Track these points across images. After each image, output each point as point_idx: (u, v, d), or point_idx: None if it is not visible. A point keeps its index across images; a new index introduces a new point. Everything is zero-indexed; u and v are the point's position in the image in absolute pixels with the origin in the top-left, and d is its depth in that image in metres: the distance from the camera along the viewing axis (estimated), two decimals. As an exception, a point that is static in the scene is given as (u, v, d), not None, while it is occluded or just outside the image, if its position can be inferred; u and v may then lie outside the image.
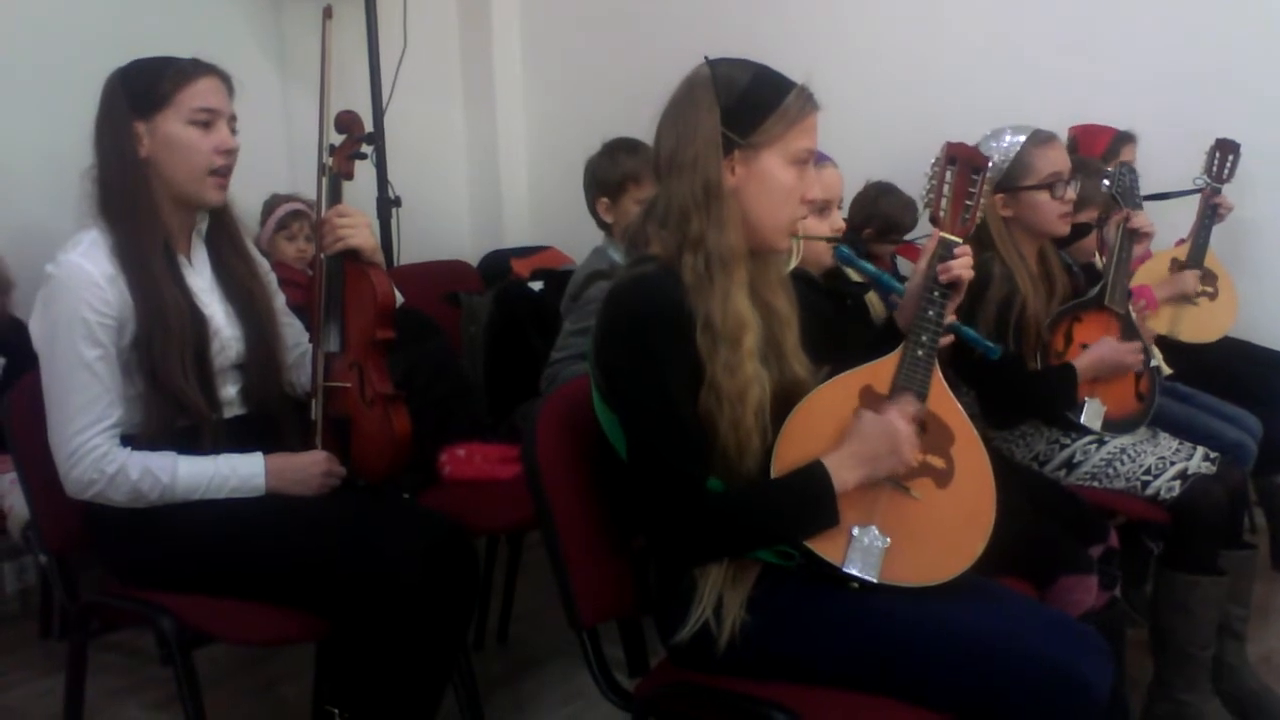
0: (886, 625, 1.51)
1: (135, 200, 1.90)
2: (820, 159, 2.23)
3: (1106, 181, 2.55)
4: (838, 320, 2.20)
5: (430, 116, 4.25)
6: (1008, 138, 2.35)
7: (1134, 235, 2.48)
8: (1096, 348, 2.35)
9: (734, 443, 1.50)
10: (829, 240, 2.18)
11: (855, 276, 2.31)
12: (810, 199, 1.59)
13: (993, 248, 2.30)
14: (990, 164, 2.29)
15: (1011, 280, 2.28)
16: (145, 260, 1.88)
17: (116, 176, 1.90)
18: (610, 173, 2.58)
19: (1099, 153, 3.17)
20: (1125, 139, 3.23)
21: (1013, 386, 2.27)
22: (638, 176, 2.52)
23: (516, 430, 2.55)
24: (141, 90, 1.90)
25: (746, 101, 1.51)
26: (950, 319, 1.69)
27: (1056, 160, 2.33)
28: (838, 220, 2.25)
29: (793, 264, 2.11)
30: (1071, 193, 2.36)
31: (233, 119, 1.97)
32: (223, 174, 1.95)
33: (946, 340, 1.68)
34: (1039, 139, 2.34)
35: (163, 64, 1.93)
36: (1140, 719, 2.31)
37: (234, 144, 1.96)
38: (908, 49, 3.69)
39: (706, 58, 1.56)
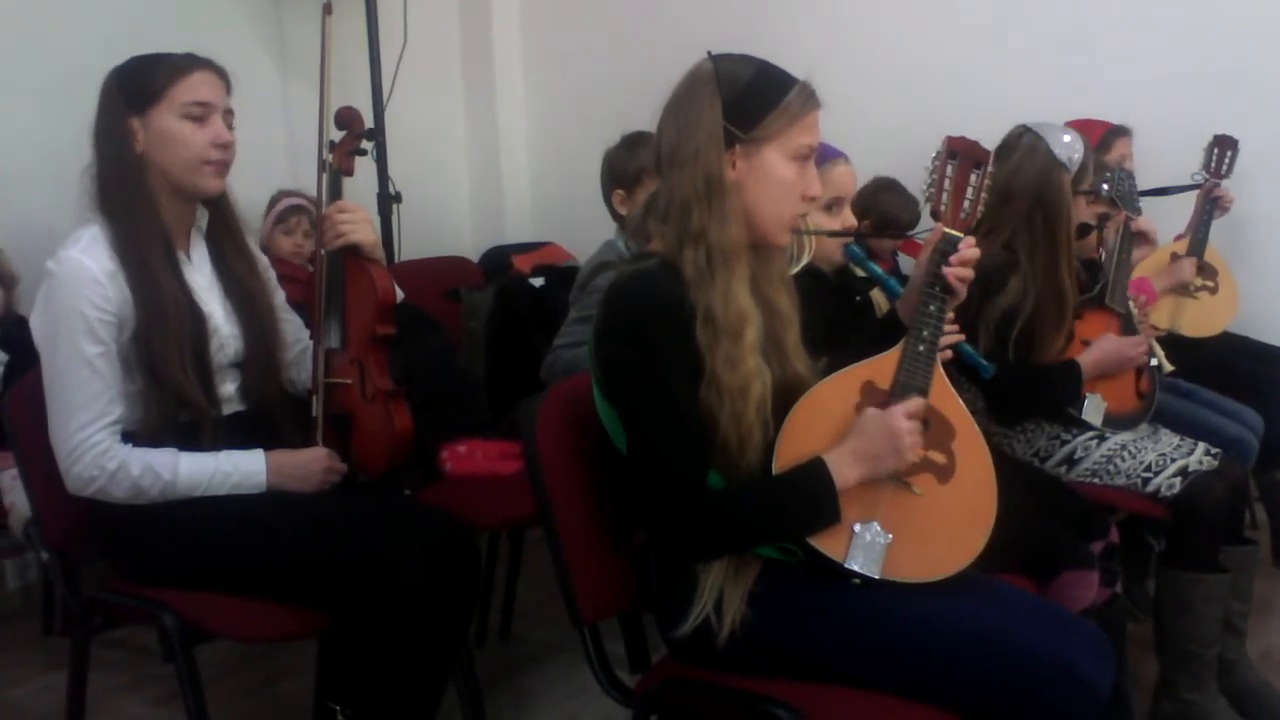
0: (888, 621, 1.51)
1: (133, 197, 1.89)
2: (833, 155, 2.22)
3: (1105, 185, 2.55)
4: (842, 316, 2.20)
5: (431, 112, 4.24)
6: (1066, 136, 2.30)
7: (1135, 238, 2.48)
8: (1100, 344, 2.35)
9: (735, 437, 1.50)
10: (834, 235, 2.16)
11: (862, 274, 2.30)
12: (811, 195, 1.59)
13: (1046, 254, 2.27)
14: (1068, 162, 2.27)
15: (1027, 293, 2.27)
16: (144, 256, 1.88)
17: (114, 173, 1.90)
18: (628, 165, 2.57)
19: (1093, 147, 3.16)
20: (1119, 132, 3.21)
21: (1017, 382, 2.27)
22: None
23: (517, 426, 2.54)
24: (136, 87, 1.90)
25: (749, 96, 1.51)
26: (951, 318, 1.68)
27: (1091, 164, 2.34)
28: (849, 217, 2.24)
29: (804, 260, 2.09)
30: None
31: (229, 113, 1.96)
32: (218, 167, 1.94)
33: (946, 355, 1.68)
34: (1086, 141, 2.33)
35: (157, 60, 1.92)
36: (1147, 719, 2.31)
37: (229, 138, 1.94)
38: (908, 46, 3.69)
39: (709, 52, 1.56)
